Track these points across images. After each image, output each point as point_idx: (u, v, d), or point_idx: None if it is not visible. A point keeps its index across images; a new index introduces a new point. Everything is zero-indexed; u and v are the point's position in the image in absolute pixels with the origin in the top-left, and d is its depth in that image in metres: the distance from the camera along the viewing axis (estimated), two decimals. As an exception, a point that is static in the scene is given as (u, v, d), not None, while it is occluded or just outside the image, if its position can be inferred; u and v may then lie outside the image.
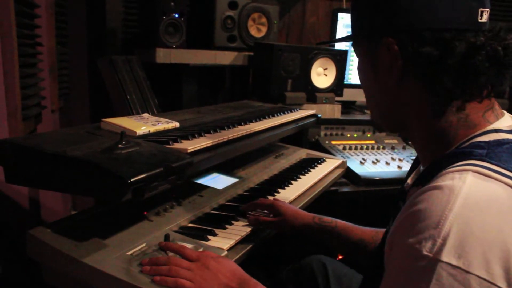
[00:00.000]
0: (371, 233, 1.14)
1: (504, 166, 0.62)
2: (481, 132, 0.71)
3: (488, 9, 0.71)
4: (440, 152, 0.73)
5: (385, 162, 1.98)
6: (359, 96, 2.55)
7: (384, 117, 0.85)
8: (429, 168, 0.74)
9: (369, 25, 0.78)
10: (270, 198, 1.32)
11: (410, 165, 0.99)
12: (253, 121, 1.48)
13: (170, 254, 0.90)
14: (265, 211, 1.20)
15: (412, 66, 0.73)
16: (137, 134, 1.12)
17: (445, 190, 0.60)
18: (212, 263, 0.86)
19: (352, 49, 0.90)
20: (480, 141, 0.69)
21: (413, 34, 0.71)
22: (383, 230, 1.12)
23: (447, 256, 0.56)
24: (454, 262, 0.56)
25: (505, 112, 0.77)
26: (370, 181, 1.82)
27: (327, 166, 1.72)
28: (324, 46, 2.18)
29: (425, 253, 0.57)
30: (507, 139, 0.69)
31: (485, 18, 0.71)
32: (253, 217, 1.14)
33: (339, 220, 1.18)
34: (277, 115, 1.66)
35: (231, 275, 0.85)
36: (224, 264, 0.88)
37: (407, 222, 0.62)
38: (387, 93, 0.79)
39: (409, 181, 0.89)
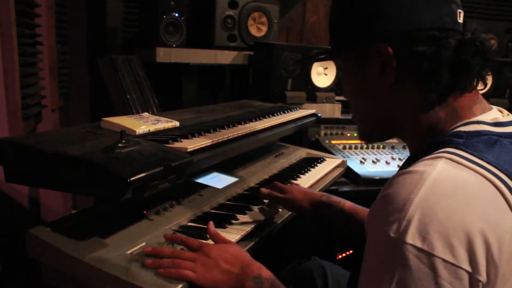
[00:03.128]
0: None
1: (478, 155, 0.63)
2: (464, 123, 0.72)
3: (462, 11, 0.75)
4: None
5: (385, 162, 1.99)
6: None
7: (375, 125, 0.85)
8: (411, 157, 0.75)
9: (354, 36, 0.78)
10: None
11: None
12: (253, 120, 1.48)
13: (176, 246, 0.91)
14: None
15: (408, 66, 0.73)
16: (137, 133, 1.12)
17: (414, 175, 0.61)
18: (214, 251, 0.87)
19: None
20: (460, 131, 0.70)
21: (404, 36, 0.72)
22: None
23: (412, 238, 0.57)
24: (419, 245, 0.57)
25: (494, 107, 0.78)
26: (370, 181, 1.82)
27: (327, 166, 1.72)
28: (324, 46, 2.18)
29: (392, 235, 0.58)
30: (487, 130, 0.70)
31: (461, 19, 0.74)
32: (267, 191, 1.19)
33: (347, 201, 1.20)
34: (277, 115, 1.66)
35: (233, 260, 0.86)
36: (226, 250, 0.89)
37: (377, 206, 0.64)
38: (379, 99, 0.79)
39: None
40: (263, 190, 1.20)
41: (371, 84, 0.78)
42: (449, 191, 0.59)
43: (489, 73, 0.76)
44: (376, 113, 0.82)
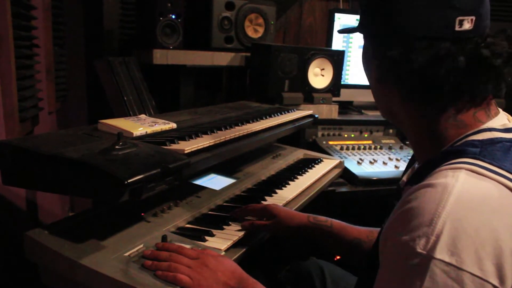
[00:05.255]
0: (366, 232, 1.14)
1: (497, 165, 0.63)
2: (475, 131, 0.71)
3: (472, 17, 0.70)
4: (433, 151, 0.74)
5: (382, 162, 1.99)
6: (357, 97, 2.56)
7: (380, 107, 0.87)
8: (423, 166, 0.74)
9: (371, 25, 0.79)
10: (268, 198, 1.33)
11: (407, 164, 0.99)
12: (251, 121, 1.48)
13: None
14: (257, 216, 1.17)
15: (400, 72, 0.73)
16: (134, 135, 1.12)
17: (438, 188, 0.61)
18: (212, 261, 0.87)
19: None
20: (473, 140, 0.70)
21: (406, 39, 0.71)
22: (378, 229, 1.13)
23: (441, 253, 0.57)
24: (447, 259, 0.57)
25: (500, 110, 0.77)
26: (367, 181, 1.82)
27: (325, 166, 1.73)
28: (321, 47, 2.19)
29: (419, 250, 0.58)
30: (501, 137, 0.69)
31: (465, 27, 0.70)
32: (248, 222, 1.12)
33: (334, 220, 1.17)
34: (274, 116, 1.66)
35: (230, 274, 0.86)
36: (223, 262, 0.88)
37: (400, 220, 0.63)
38: (381, 92, 0.82)
39: (404, 178, 0.89)
40: (245, 224, 1.11)
41: (372, 70, 0.80)
42: (475, 204, 0.59)
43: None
44: (376, 96, 0.85)
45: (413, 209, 0.61)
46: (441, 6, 0.69)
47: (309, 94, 2.15)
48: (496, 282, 0.56)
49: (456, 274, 0.56)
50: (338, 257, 1.92)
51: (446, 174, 0.63)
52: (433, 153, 0.73)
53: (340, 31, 0.89)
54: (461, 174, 0.62)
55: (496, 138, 0.69)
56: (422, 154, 0.79)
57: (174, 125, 1.27)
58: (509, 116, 0.78)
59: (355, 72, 2.45)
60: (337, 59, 2.18)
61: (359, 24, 0.82)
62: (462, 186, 0.60)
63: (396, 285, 0.61)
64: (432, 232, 0.58)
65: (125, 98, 1.65)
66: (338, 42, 2.41)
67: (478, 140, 0.69)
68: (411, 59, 0.70)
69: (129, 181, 0.80)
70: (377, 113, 1.19)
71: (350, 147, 2.10)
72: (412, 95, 0.74)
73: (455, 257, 0.56)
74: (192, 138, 1.16)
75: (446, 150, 0.72)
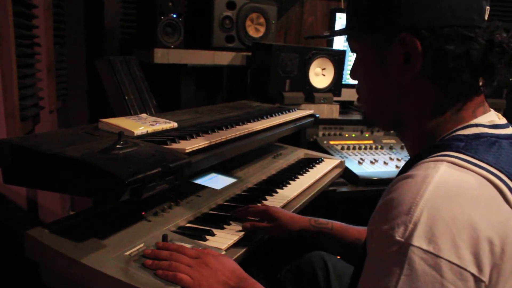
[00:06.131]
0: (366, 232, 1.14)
1: (479, 158, 0.64)
2: (463, 126, 0.72)
3: (489, 7, 0.73)
4: (427, 146, 0.75)
5: (383, 162, 1.99)
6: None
7: (382, 113, 0.83)
8: (412, 160, 0.75)
9: (382, 20, 0.74)
10: (268, 198, 1.32)
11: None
12: (251, 121, 1.48)
13: None
14: (258, 218, 1.16)
15: (432, 63, 0.72)
16: (135, 134, 1.12)
17: (417, 179, 0.62)
18: (212, 261, 0.87)
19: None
20: (459, 135, 0.71)
21: (435, 31, 0.70)
22: None
23: (418, 240, 0.57)
24: (424, 247, 0.57)
25: (491, 109, 0.78)
26: (368, 181, 1.82)
27: (325, 166, 1.73)
28: (322, 47, 2.19)
29: (398, 238, 0.59)
30: (486, 133, 0.70)
31: (487, 15, 0.72)
32: (249, 223, 1.11)
33: (335, 221, 1.17)
34: (275, 115, 1.66)
35: (230, 274, 0.86)
36: (223, 262, 0.88)
37: (381, 210, 0.64)
38: (394, 90, 0.77)
39: None
40: (246, 225, 1.10)
41: (389, 73, 0.76)
42: (453, 194, 0.60)
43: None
44: (385, 102, 0.80)
45: (393, 199, 0.62)
46: None
47: (310, 94, 2.15)
48: (474, 271, 0.57)
49: (434, 261, 0.57)
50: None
51: (428, 165, 0.64)
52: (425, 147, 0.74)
53: (335, 34, 0.88)
54: (442, 166, 0.63)
55: (482, 133, 0.70)
56: (416, 151, 0.79)
57: (175, 125, 1.27)
58: (499, 115, 0.78)
59: (356, 72, 2.45)
60: (338, 59, 2.18)
61: (379, 21, 0.75)
62: (441, 177, 0.61)
63: (378, 273, 0.62)
64: (410, 220, 0.59)
65: (126, 97, 1.65)
66: (339, 42, 2.41)
67: (464, 135, 0.70)
68: (468, 52, 0.69)
69: (129, 180, 0.80)
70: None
71: (351, 147, 2.10)
72: (455, 88, 0.72)
73: (432, 244, 0.57)
74: (193, 138, 1.16)
75: (434, 144, 0.72)
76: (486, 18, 0.72)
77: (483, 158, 0.64)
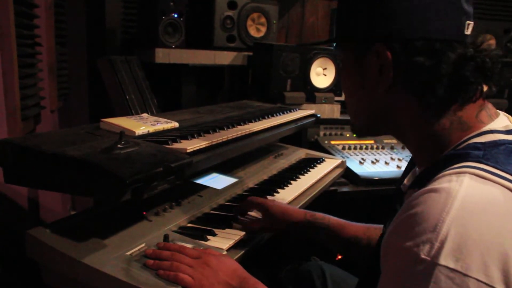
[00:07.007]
0: (363, 228, 1.13)
1: (501, 168, 0.62)
2: (477, 134, 0.71)
3: (472, 22, 0.72)
4: (436, 155, 0.73)
5: (384, 162, 1.99)
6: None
7: (367, 121, 0.84)
8: (426, 170, 0.73)
9: (359, 29, 0.76)
10: (269, 198, 1.32)
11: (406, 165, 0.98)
12: (252, 121, 1.48)
13: None
14: (255, 210, 1.17)
15: (404, 74, 0.72)
16: (136, 134, 1.12)
17: (442, 193, 0.60)
18: (213, 261, 0.87)
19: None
20: (476, 143, 0.69)
21: (406, 42, 0.70)
22: (376, 225, 1.12)
23: (445, 259, 0.56)
24: (452, 266, 0.56)
25: (500, 112, 0.77)
26: (369, 181, 1.82)
27: (327, 166, 1.72)
28: (323, 46, 2.18)
29: (423, 256, 0.57)
30: (503, 139, 0.68)
31: (469, 30, 0.72)
32: (248, 224, 1.12)
33: (331, 217, 1.16)
34: (276, 115, 1.66)
35: (231, 273, 0.86)
36: (225, 262, 0.88)
37: (404, 225, 0.62)
38: (375, 99, 0.78)
39: (405, 182, 0.88)
40: (237, 226, 1.10)
41: (367, 84, 0.77)
42: (480, 209, 0.58)
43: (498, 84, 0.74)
44: (369, 110, 0.81)
45: (417, 214, 0.60)
46: (456, 9, 0.70)
47: (311, 94, 2.15)
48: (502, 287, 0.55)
49: (461, 280, 0.55)
50: (339, 257, 1.92)
51: (450, 178, 0.62)
52: (435, 157, 0.72)
53: (323, 42, 0.87)
54: (465, 178, 0.61)
55: (499, 140, 0.68)
56: (424, 158, 0.78)
57: (176, 124, 1.27)
58: (510, 116, 0.77)
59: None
60: (340, 59, 2.17)
61: (358, 31, 0.77)
62: (466, 191, 0.59)
63: None
64: (436, 238, 0.57)
65: (127, 97, 1.65)
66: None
67: (481, 143, 0.68)
68: (438, 65, 0.69)
69: (130, 180, 0.80)
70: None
71: (352, 146, 2.10)
72: (431, 100, 0.72)
73: (460, 263, 0.55)
74: (194, 138, 1.16)
75: (449, 154, 0.70)
76: (468, 33, 0.72)
77: (505, 168, 0.62)
